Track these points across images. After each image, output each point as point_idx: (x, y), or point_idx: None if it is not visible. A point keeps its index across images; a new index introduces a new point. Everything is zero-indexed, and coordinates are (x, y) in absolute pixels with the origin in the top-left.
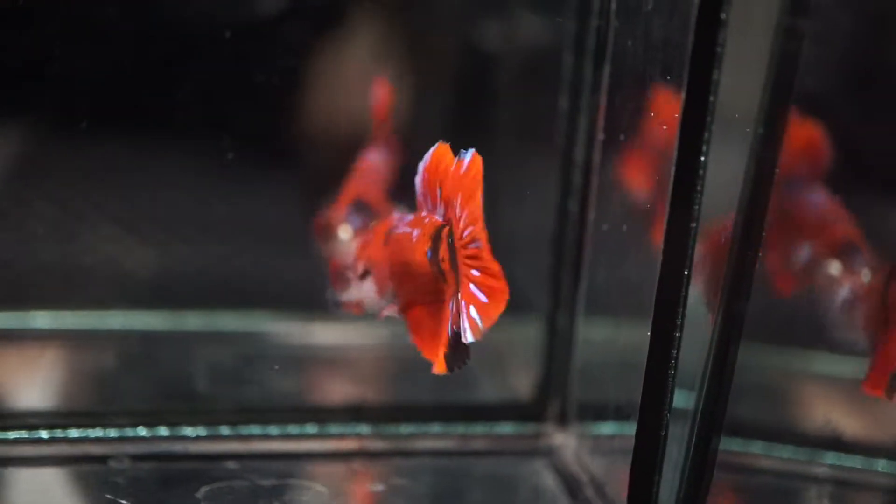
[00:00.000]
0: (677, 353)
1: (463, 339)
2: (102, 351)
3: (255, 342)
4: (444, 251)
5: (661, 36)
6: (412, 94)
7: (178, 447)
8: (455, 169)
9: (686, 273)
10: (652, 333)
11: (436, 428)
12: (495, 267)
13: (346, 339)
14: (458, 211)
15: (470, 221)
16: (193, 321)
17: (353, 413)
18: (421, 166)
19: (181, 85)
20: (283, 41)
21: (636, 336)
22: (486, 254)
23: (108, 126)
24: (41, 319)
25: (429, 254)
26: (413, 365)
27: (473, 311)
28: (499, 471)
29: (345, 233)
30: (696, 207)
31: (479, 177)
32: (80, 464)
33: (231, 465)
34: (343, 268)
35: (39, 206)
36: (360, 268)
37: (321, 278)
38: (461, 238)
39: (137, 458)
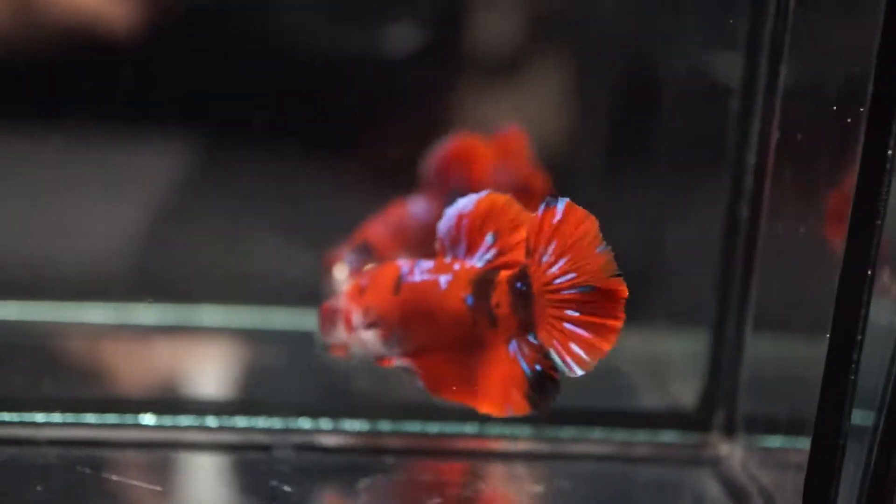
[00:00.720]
0: (857, 366)
1: (569, 374)
2: (268, 346)
3: None
4: (500, 295)
5: (840, 35)
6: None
7: (338, 440)
8: (544, 216)
9: (868, 283)
10: (829, 346)
11: (597, 433)
12: (611, 308)
13: None
14: (546, 258)
15: (570, 269)
16: None
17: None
18: (454, 212)
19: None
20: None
21: (810, 348)
22: (603, 296)
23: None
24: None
25: (469, 300)
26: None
27: (575, 347)
28: (662, 478)
29: (340, 272)
30: (882, 212)
31: (584, 226)
32: (245, 451)
33: (390, 459)
34: (332, 311)
35: (212, 212)
36: (367, 318)
37: None
38: (548, 284)
39: (300, 448)
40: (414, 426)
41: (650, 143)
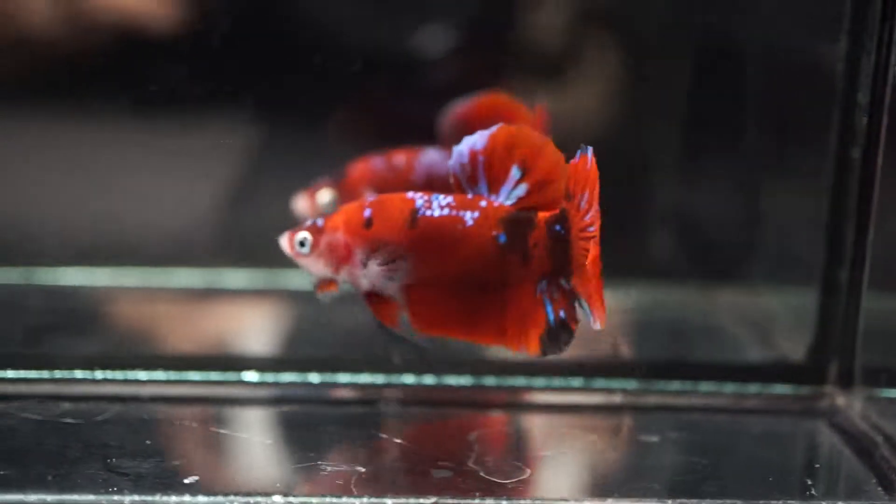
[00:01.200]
0: None
1: (594, 326)
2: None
3: None
4: (538, 237)
5: None
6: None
7: (446, 395)
8: (579, 163)
9: None
10: None
11: (706, 387)
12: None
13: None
14: (582, 202)
15: (594, 219)
16: None
17: (619, 369)
18: (466, 149)
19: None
20: None
21: None
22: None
23: None
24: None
25: (501, 237)
26: (682, 325)
27: (605, 301)
28: (776, 428)
29: (324, 196)
30: None
31: (594, 177)
32: (351, 406)
33: (497, 413)
34: (336, 244)
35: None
36: (380, 253)
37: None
38: (584, 230)
39: (405, 402)
40: (518, 381)
41: (754, 83)
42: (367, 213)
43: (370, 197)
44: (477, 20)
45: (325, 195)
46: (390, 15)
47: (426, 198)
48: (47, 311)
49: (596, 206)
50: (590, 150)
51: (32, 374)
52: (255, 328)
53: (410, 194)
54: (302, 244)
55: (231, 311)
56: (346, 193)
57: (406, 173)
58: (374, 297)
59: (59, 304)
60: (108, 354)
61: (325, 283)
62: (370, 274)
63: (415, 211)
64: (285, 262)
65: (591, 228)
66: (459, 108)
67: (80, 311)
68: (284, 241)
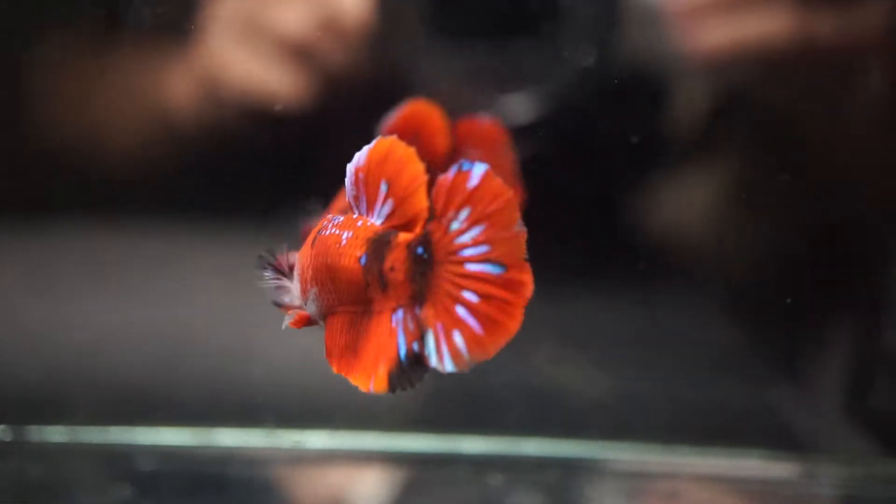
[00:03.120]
0: None
1: (438, 367)
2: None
3: None
4: (395, 260)
5: None
6: None
7: None
8: (455, 179)
9: None
10: None
11: None
12: (513, 300)
13: None
14: (457, 224)
15: (484, 241)
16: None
17: None
18: (352, 167)
19: None
20: None
21: None
22: (508, 283)
23: None
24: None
25: (363, 259)
26: None
27: (458, 338)
28: None
29: None
30: None
31: (505, 198)
32: None
33: None
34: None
35: None
36: (289, 268)
37: None
38: (454, 254)
39: None
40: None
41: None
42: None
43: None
44: None
45: None
46: None
47: (329, 217)
48: None
49: (496, 236)
50: (479, 167)
51: None
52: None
53: (330, 215)
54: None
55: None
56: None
57: None
58: (309, 322)
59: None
60: None
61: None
62: (293, 293)
63: (319, 230)
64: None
65: (469, 251)
66: (388, 118)
67: None
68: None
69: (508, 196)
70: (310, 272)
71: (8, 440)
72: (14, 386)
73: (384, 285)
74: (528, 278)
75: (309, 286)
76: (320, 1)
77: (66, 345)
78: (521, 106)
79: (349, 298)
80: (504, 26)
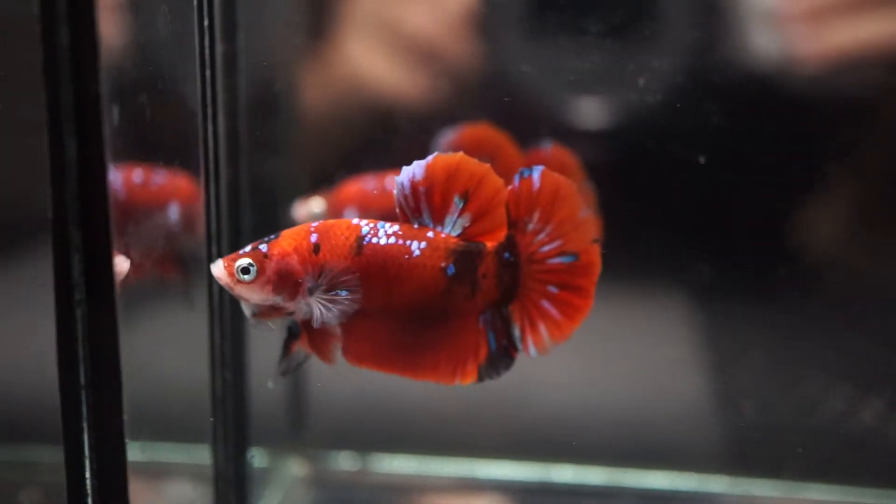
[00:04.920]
0: None
1: (526, 353)
2: None
3: None
4: (487, 267)
5: None
6: None
7: None
8: (521, 186)
9: None
10: None
11: None
12: (587, 283)
13: None
14: (531, 226)
15: (558, 236)
16: None
17: None
18: (406, 181)
19: None
20: None
21: None
22: (581, 269)
23: None
24: None
25: (450, 270)
26: None
27: (542, 329)
28: None
29: (317, 206)
30: None
31: (565, 191)
32: None
33: None
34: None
35: None
36: (325, 279)
37: None
38: (535, 254)
39: None
40: None
41: None
42: (314, 238)
43: (314, 223)
44: None
45: (316, 205)
46: None
47: (372, 225)
48: None
49: (562, 229)
50: (537, 171)
51: None
52: None
53: (356, 221)
54: (245, 272)
55: None
56: (331, 209)
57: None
58: (312, 327)
59: None
60: None
61: (267, 310)
62: (314, 301)
63: (361, 238)
64: None
65: (546, 248)
66: (447, 137)
67: None
68: (220, 269)
69: (568, 188)
70: (352, 279)
71: None
72: None
73: (474, 291)
74: (597, 259)
75: (346, 290)
76: (442, 4)
77: None
78: (629, 114)
79: (411, 303)
80: (612, 28)
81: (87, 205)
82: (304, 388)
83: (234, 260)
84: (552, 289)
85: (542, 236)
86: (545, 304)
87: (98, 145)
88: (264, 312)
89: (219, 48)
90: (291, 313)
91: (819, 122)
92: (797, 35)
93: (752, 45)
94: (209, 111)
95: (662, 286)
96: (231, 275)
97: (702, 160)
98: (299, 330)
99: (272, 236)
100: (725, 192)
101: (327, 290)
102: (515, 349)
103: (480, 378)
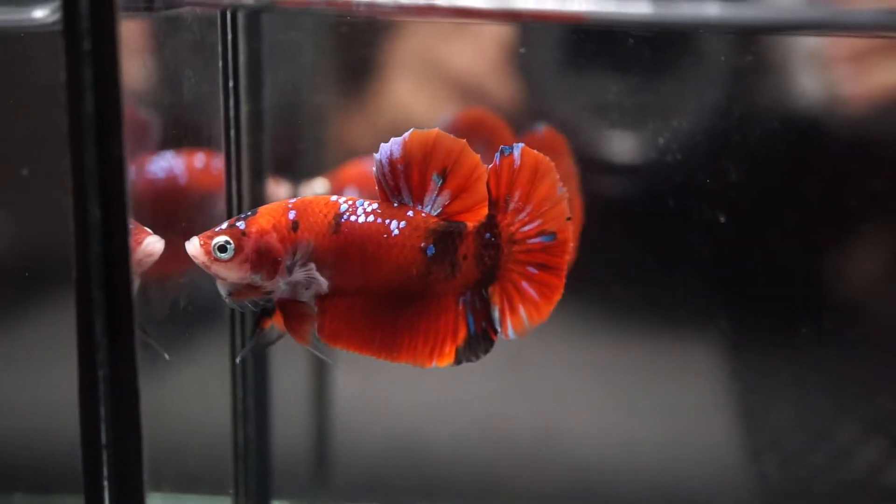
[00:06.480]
0: None
1: (504, 336)
2: None
3: None
4: (468, 248)
5: None
6: None
7: None
8: (502, 163)
9: None
10: None
11: None
12: (562, 262)
13: None
14: (512, 205)
15: (538, 215)
16: None
17: None
18: (385, 158)
19: None
20: None
21: None
22: (558, 247)
23: None
24: None
25: (430, 250)
26: None
27: (522, 311)
28: None
29: (320, 186)
30: None
31: (544, 169)
32: None
33: None
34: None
35: None
36: (311, 258)
37: None
38: (515, 234)
39: None
40: None
41: None
42: (291, 215)
43: (291, 199)
44: None
45: (319, 185)
46: None
47: (350, 202)
48: None
49: (541, 209)
50: (517, 148)
51: None
52: None
53: (334, 198)
54: (222, 249)
55: None
56: (334, 190)
57: None
58: (288, 306)
59: None
60: None
61: (244, 290)
62: (292, 280)
63: (339, 215)
64: None
65: (527, 227)
66: (443, 121)
67: None
68: (195, 247)
69: (547, 165)
70: (331, 258)
71: None
72: None
73: (454, 272)
74: (569, 236)
75: (323, 269)
76: (484, 41)
77: None
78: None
79: (389, 283)
80: (650, 68)
81: (110, 266)
82: (327, 439)
83: (211, 237)
84: (532, 269)
85: (522, 216)
86: (525, 285)
87: (121, 209)
88: (241, 292)
89: (243, 108)
90: (269, 293)
91: (856, 169)
92: (843, 77)
93: (797, 87)
94: (233, 170)
95: (690, 337)
96: (208, 253)
97: (722, 219)
98: (273, 307)
99: (249, 213)
100: (757, 241)
101: (304, 269)
102: (495, 331)
103: (458, 361)
